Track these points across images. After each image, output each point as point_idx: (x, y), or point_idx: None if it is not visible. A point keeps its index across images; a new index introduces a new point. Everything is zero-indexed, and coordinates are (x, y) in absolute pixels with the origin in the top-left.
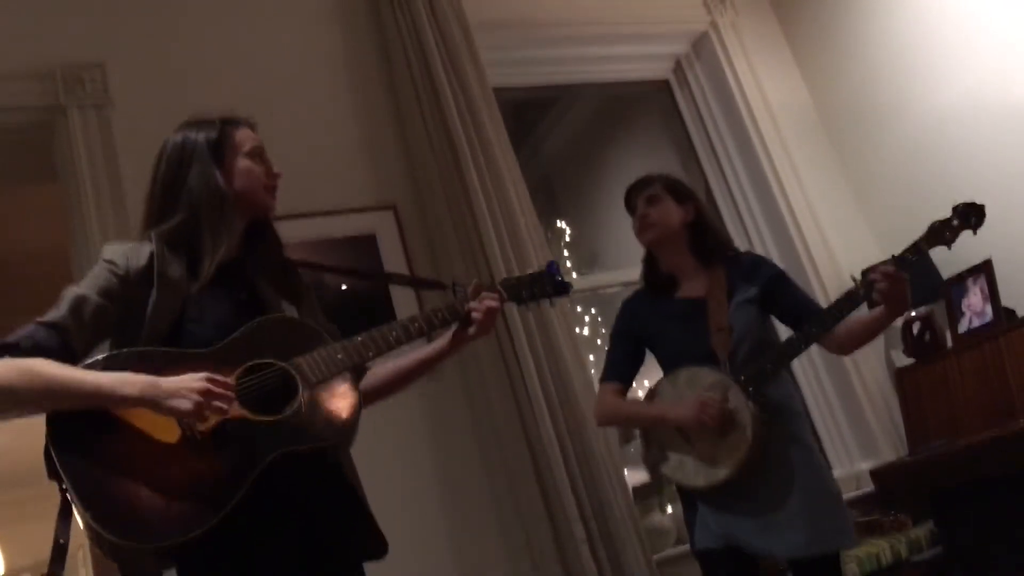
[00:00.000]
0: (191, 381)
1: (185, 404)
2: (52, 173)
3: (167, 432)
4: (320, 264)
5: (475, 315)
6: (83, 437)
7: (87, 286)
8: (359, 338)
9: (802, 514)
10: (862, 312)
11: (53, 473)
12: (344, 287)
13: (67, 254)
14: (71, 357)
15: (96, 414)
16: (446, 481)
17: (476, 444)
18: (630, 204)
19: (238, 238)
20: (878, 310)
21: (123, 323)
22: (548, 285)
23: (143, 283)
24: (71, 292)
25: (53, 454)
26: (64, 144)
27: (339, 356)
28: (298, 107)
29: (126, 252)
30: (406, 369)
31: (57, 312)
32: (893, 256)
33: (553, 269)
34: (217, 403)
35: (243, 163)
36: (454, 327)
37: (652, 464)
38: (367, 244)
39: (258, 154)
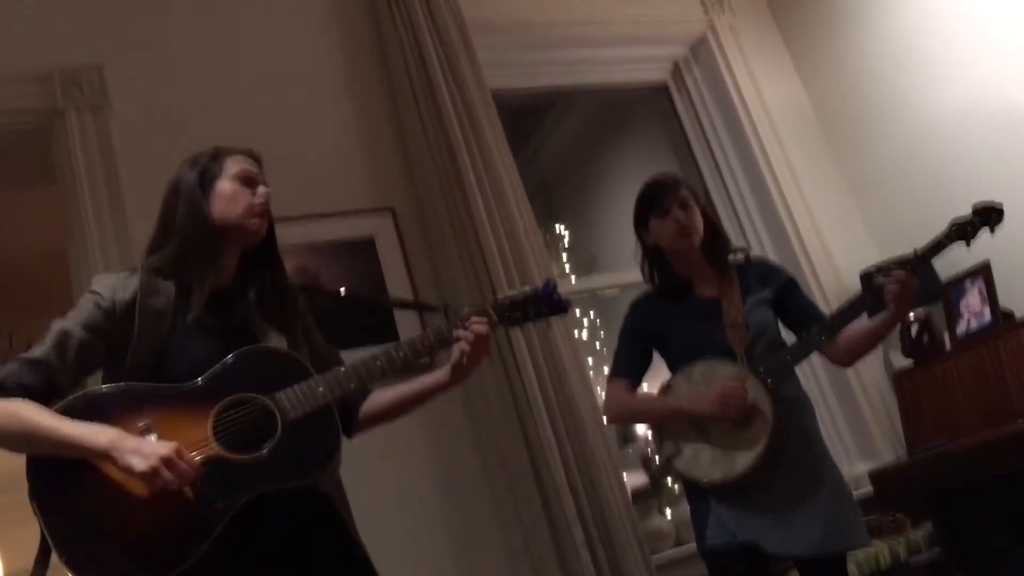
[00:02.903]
0: (159, 446)
1: (140, 465)
2: (50, 176)
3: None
4: (316, 289)
5: (463, 346)
6: (62, 479)
7: (72, 320)
8: (342, 370)
9: (819, 512)
10: (861, 321)
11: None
12: (343, 291)
13: (65, 257)
14: (55, 394)
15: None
16: (445, 483)
17: (475, 446)
18: (660, 205)
19: (231, 267)
20: (882, 316)
21: (113, 356)
22: (544, 304)
23: (128, 316)
24: (56, 326)
25: (30, 495)
26: (62, 147)
27: (320, 389)
28: (296, 110)
29: (113, 284)
30: (407, 397)
31: (42, 348)
32: (915, 251)
33: (550, 289)
34: (171, 477)
35: (225, 187)
36: (455, 356)
37: (665, 460)
38: (365, 247)
39: (245, 178)
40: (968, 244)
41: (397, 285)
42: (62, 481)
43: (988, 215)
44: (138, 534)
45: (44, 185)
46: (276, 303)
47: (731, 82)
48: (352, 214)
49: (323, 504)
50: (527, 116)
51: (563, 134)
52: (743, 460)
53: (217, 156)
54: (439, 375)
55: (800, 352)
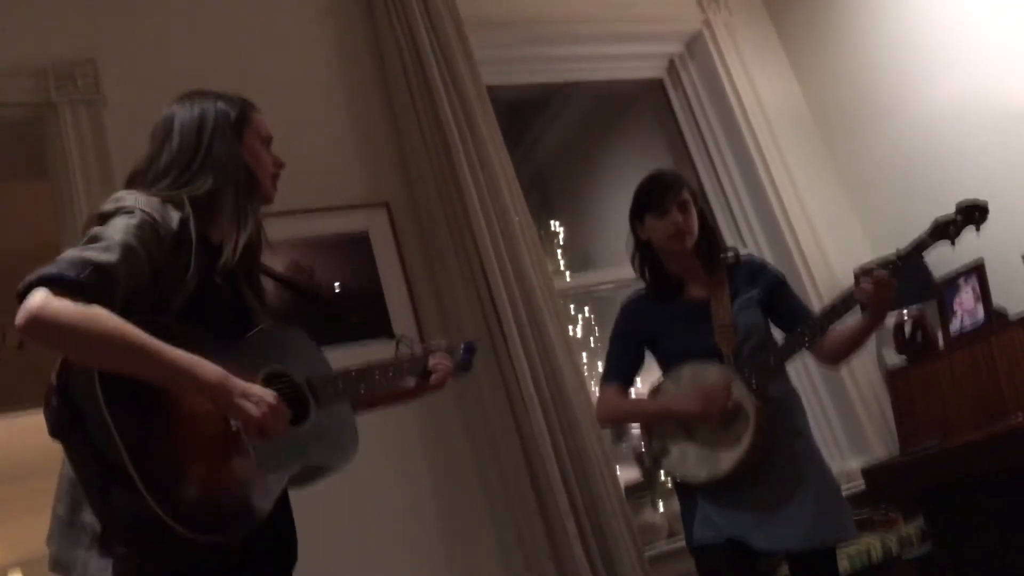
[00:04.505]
0: (264, 393)
1: (254, 410)
2: (43, 170)
3: (214, 426)
4: (274, 273)
5: (435, 376)
6: (138, 406)
7: (135, 236)
8: (352, 372)
9: (805, 507)
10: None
11: (58, 432)
12: (338, 287)
13: (58, 252)
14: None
15: (145, 386)
16: (439, 477)
17: (469, 441)
18: (659, 203)
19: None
20: (861, 319)
21: (149, 291)
22: (457, 363)
23: (173, 251)
24: (118, 236)
25: (109, 419)
26: (55, 141)
27: (340, 385)
28: (291, 104)
29: (159, 209)
30: (372, 401)
31: (110, 256)
32: (897, 251)
33: (467, 353)
34: (279, 424)
35: (256, 145)
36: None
37: (653, 459)
38: (360, 242)
39: (268, 142)
40: (952, 243)
41: (391, 280)
42: (140, 406)
43: (971, 213)
44: (210, 484)
45: (36, 179)
46: (249, 270)
47: (727, 79)
48: (346, 209)
49: (286, 505)
50: (523, 112)
51: (559, 130)
52: (727, 460)
53: (245, 106)
54: (398, 391)
55: (784, 352)
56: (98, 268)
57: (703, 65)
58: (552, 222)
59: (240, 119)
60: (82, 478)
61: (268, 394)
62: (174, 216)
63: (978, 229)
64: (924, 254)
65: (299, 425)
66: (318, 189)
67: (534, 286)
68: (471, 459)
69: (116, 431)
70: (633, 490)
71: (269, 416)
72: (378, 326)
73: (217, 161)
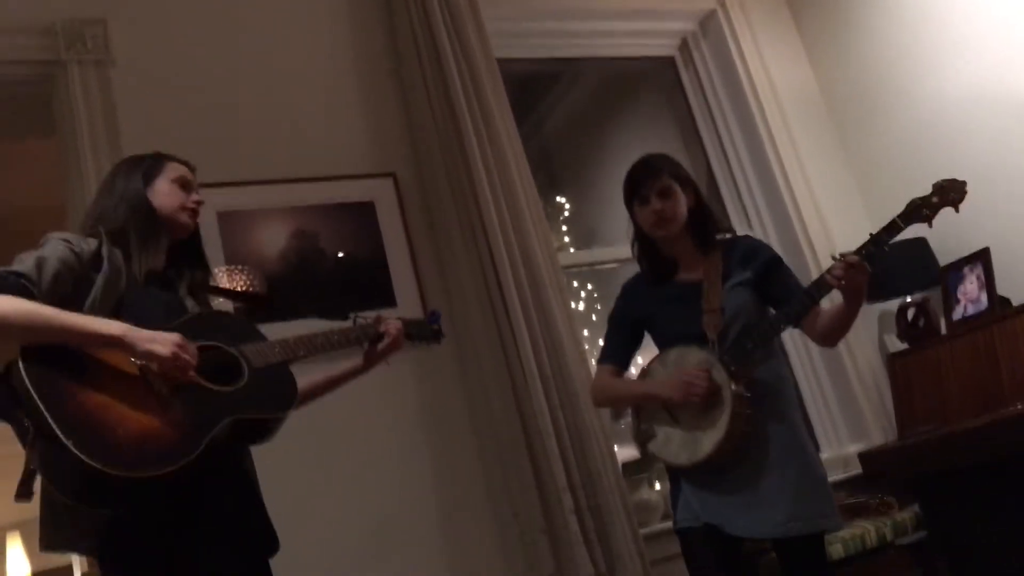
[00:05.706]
0: (167, 335)
1: (162, 350)
2: (50, 128)
3: (135, 383)
4: (220, 289)
5: (387, 337)
6: (60, 369)
7: (48, 251)
8: (291, 339)
9: (781, 493)
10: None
11: (12, 406)
12: (341, 255)
13: (64, 210)
14: None
15: (68, 356)
16: (437, 450)
17: (468, 414)
18: (640, 192)
19: (163, 253)
20: (840, 304)
21: (74, 298)
22: (427, 331)
23: (92, 265)
24: (30, 254)
25: (28, 384)
26: (63, 100)
27: (276, 349)
28: (300, 71)
29: (78, 239)
30: (332, 379)
31: (21, 266)
32: (870, 235)
33: (433, 318)
34: (187, 358)
35: (164, 185)
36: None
37: (641, 441)
38: (365, 211)
39: (182, 183)
40: (929, 225)
41: (396, 250)
42: (60, 371)
43: (947, 193)
44: (137, 430)
45: (44, 137)
46: (199, 298)
47: (739, 59)
48: (353, 178)
49: (256, 495)
50: (532, 86)
51: (568, 105)
52: (707, 444)
53: (159, 158)
54: (356, 363)
55: (760, 338)
56: (8, 273)
57: (716, 45)
58: (558, 197)
59: (151, 168)
60: (28, 449)
61: (173, 335)
62: (91, 243)
63: (956, 208)
64: (929, 243)
65: (233, 385)
66: (325, 158)
67: (538, 260)
68: (470, 432)
69: (36, 393)
70: (631, 468)
71: (178, 352)
72: (383, 296)
73: (124, 206)
